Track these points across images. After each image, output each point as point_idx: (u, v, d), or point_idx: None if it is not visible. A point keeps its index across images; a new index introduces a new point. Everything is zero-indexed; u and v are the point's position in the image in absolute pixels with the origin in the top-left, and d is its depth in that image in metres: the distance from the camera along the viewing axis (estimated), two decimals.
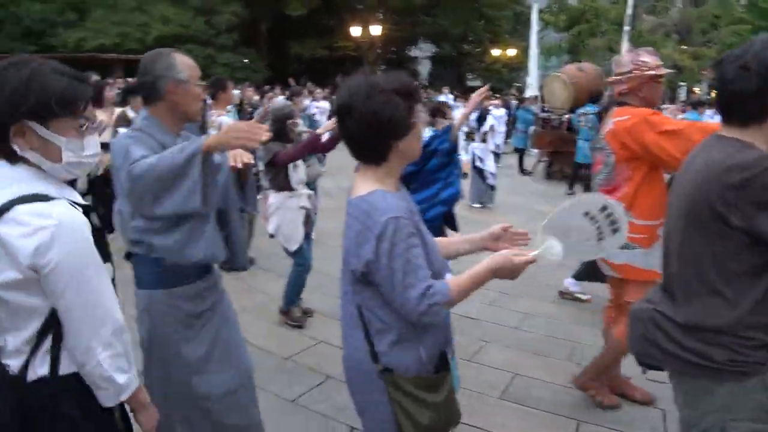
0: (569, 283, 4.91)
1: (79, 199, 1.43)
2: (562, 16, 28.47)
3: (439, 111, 4.68)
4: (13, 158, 1.32)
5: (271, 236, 4.23)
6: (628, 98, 2.90)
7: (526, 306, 4.58)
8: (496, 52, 32.72)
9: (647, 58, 2.88)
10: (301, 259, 4.19)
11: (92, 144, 1.40)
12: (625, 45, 12.94)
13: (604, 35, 26.78)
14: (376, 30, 25.89)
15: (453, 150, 3.74)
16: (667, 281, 1.69)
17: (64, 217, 1.28)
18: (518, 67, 32.65)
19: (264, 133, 1.82)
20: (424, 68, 40.18)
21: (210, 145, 1.83)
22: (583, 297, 4.86)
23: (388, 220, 1.50)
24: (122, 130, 5.48)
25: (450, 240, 1.98)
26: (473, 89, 5.65)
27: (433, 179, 3.68)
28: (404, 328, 1.61)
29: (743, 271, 1.48)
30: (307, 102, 9.98)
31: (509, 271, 1.57)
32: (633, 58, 2.89)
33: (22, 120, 1.28)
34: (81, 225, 1.32)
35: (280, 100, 4.75)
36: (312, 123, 9.80)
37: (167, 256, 2.03)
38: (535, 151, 12.85)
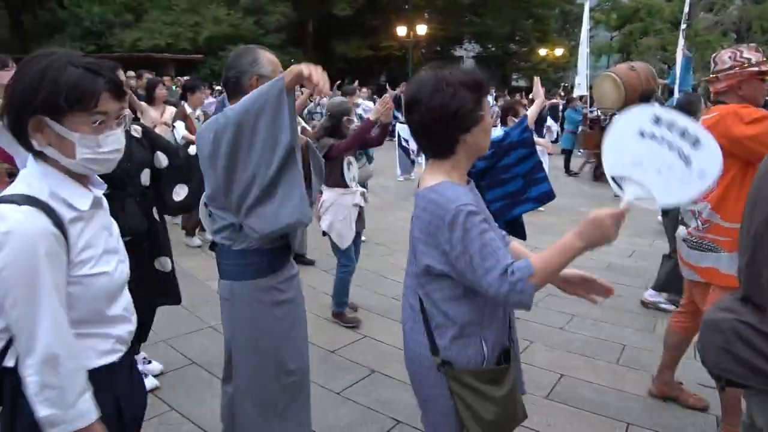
0: (649, 295, 4.74)
1: (103, 205, 1.43)
2: (614, 15, 27.83)
3: (511, 109, 4.51)
4: (34, 153, 1.31)
5: (324, 234, 4.23)
6: (726, 97, 2.72)
7: (572, 308, 4.51)
8: (542, 51, 32.22)
9: (750, 54, 2.70)
10: (347, 260, 4.20)
11: (111, 140, 1.32)
12: (680, 44, 12.49)
13: (657, 34, 25.97)
14: (421, 29, 25.88)
15: (532, 141, 3.59)
16: (751, 290, 1.54)
17: (18, 225, 1.19)
18: (564, 66, 32.08)
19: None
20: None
21: (289, 81, 1.85)
22: (667, 307, 4.61)
23: (458, 208, 1.49)
24: (179, 124, 5.72)
25: (517, 249, 1.85)
26: (518, 90, 5.59)
27: (510, 176, 3.52)
28: (466, 323, 1.60)
29: None
30: (359, 101, 10.09)
31: (600, 233, 1.41)
32: (733, 55, 2.72)
33: (37, 115, 1.24)
34: (35, 238, 1.20)
35: (337, 98, 4.74)
36: (359, 121, 9.95)
37: (260, 228, 1.99)
38: (583, 151, 12.58)
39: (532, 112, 3.70)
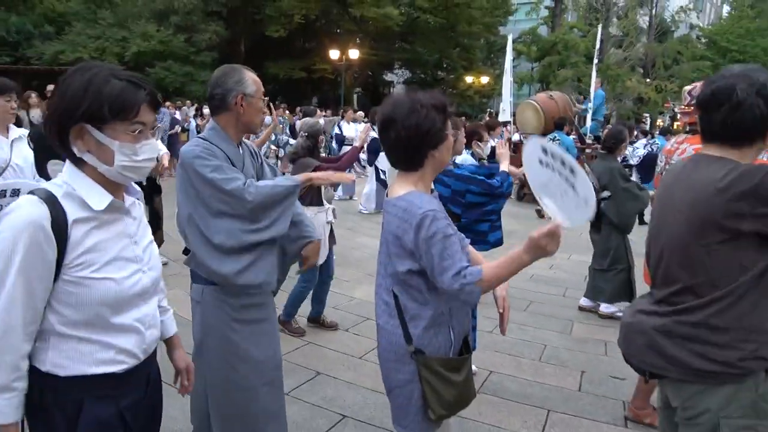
0: (604, 308, 5.14)
1: (137, 210, 1.50)
2: (534, 47, 29.60)
3: (476, 133, 4.65)
4: (73, 159, 1.38)
5: None
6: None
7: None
8: (469, 79, 33.61)
9: None
10: (312, 275, 4.32)
11: (147, 149, 1.39)
12: (593, 77, 13.60)
13: (573, 66, 27.87)
14: (353, 54, 26.45)
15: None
16: (667, 288, 1.77)
17: (17, 210, 1.30)
18: (489, 94, 33.61)
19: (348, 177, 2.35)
20: (399, 92, 40.98)
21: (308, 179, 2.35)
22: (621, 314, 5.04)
23: (424, 213, 1.72)
24: None
25: (475, 255, 2.11)
26: None
27: (484, 220, 3.54)
28: (436, 314, 1.83)
29: (749, 274, 1.61)
30: (321, 121, 10.37)
31: (540, 250, 1.62)
32: None
33: (80, 123, 1.32)
34: (23, 226, 1.28)
35: (310, 119, 4.85)
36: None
37: (222, 282, 2.21)
38: None
39: (513, 170, 3.63)
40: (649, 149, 10.01)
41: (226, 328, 2.28)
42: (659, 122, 29.82)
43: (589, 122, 12.46)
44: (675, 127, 27.76)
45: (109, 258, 1.38)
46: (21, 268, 1.27)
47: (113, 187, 1.41)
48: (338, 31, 31.05)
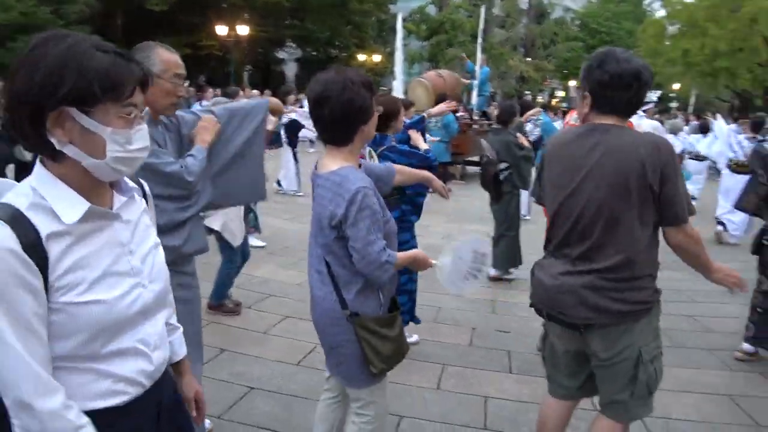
0: (493, 272, 5.54)
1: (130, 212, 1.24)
2: (423, 26, 30.28)
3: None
4: (52, 155, 1.10)
5: (211, 232, 4.14)
6: None
7: None
8: (361, 57, 33.74)
9: None
10: (234, 255, 4.33)
11: (140, 136, 1.15)
12: (479, 55, 14.25)
13: (460, 45, 28.89)
14: (242, 30, 25.55)
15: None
16: (582, 246, 2.02)
17: None
18: (382, 72, 34.01)
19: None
20: (291, 70, 40.21)
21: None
22: (510, 277, 5.53)
23: (358, 188, 1.84)
24: None
25: None
26: None
27: (421, 193, 3.75)
28: (366, 279, 1.97)
29: (651, 224, 1.96)
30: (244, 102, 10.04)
31: (420, 264, 2.10)
32: None
33: (61, 106, 1.04)
34: None
35: (220, 98, 4.62)
36: None
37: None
38: None
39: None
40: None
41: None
42: (539, 99, 31.79)
43: (475, 98, 13.11)
44: (553, 103, 29.87)
45: (96, 276, 1.13)
46: (6, 311, 1.01)
47: (96, 187, 1.16)
48: (224, 5, 29.77)
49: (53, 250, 1.07)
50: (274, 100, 2.62)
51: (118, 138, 1.10)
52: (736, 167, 7.46)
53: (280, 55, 37.61)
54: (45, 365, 1.06)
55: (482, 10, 13.13)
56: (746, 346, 3.97)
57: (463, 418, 3.06)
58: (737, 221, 7.50)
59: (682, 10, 21.44)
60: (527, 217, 8.22)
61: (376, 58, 33.28)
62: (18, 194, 1.09)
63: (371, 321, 2.00)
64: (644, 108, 9.58)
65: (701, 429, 3.03)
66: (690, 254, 2.04)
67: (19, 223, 1.03)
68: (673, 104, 32.60)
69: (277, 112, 2.65)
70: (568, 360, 2.26)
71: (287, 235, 6.90)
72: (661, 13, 24.22)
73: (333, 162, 1.98)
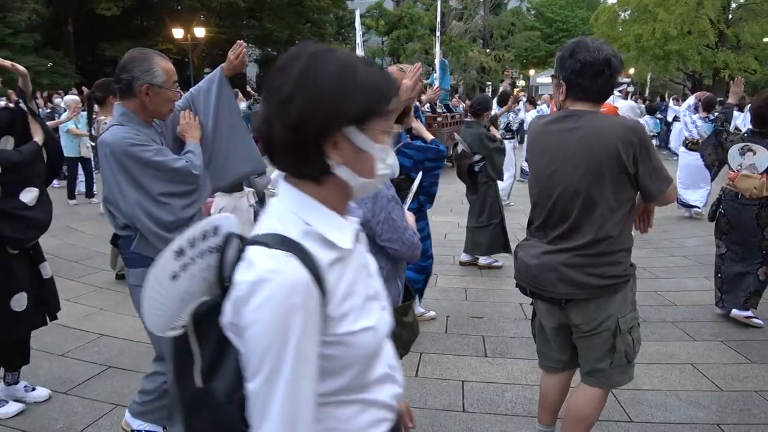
0: (483, 260, 5.71)
1: (343, 240, 1.03)
2: (382, 21, 30.35)
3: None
4: (316, 178, 1.01)
5: None
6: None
7: None
8: None
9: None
10: None
11: (391, 150, 1.07)
12: (437, 48, 14.37)
13: (420, 39, 29.06)
14: (199, 32, 25.17)
15: None
16: (561, 227, 2.14)
17: (269, 275, 0.90)
18: None
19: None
20: (251, 71, 39.80)
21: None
22: (498, 264, 5.66)
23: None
24: None
25: None
26: None
27: (435, 183, 3.84)
28: (391, 268, 2.04)
29: (625, 203, 2.09)
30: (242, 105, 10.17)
31: None
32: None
33: (346, 126, 0.98)
34: (288, 294, 0.90)
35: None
36: None
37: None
38: None
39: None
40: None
41: None
42: (501, 89, 32.20)
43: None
44: (515, 92, 30.28)
45: (360, 301, 1.05)
46: (299, 355, 0.90)
47: (345, 207, 1.09)
48: (179, 7, 29.28)
49: (330, 279, 0.98)
50: (230, 60, 2.45)
51: (383, 155, 1.03)
52: (691, 145, 7.81)
53: None
54: (312, 411, 0.95)
55: (439, 3, 13.26)
56: (717, 310, 4.36)
57: (442, 402, 3.15)
58: (697, 198, 7.93)
59: None
60: (510, 203, 8.40)
61: None
62: (283, 222, 0.99)
63: (395, 311, 2.06)
64: (618, 89, 9.93)
65: (668, 397, 3.19)
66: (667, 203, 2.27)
67: (303, 254, 0.94)
68: (630, 89, 33.46)
69: (238, 68, 2.47)
70: (555, 335, 2.40)
71: None
72: (612, 0, 24.79)
73: None
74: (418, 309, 4.23)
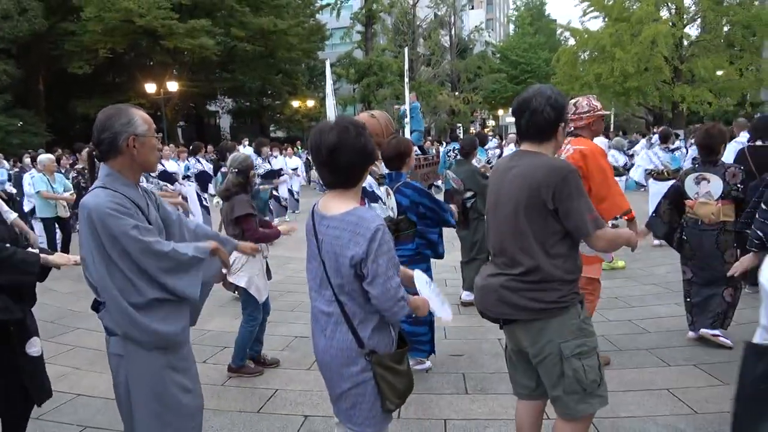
0: (465, 296, 5.78)
1: None
2: (352, 70, 31.06)
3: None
4: None
5: (236, 290, 4.16)
6: (582, 131, 3.79)
7: None
8: (295, 103, 34.11)
9: (597, 103, 3.88)
10: (258, 313, 4.20)
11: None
12: (407, 94, 14.72)
13: (389, 85, 29.75)
14: (172, 86, 25.41)
15: None
16: (504, 256, 2.31)
17: None
18: (316, 117, 34.51)
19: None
20: (225, 122, 40.11)
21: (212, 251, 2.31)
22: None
23: (378, 226, 1.91)
24: None
25: None
26: (277, 140, 6.27)
27: (433, 230, 4.00)
28: (381, 316, 2.02)
29: (553, 236, 2.20)
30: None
31: (420, 312, 2.13)
32: (588, 102, 3.84)
33: None
34: None
35: (239, 154, 4.51)
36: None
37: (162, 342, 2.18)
38: None
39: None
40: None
41: (160, 379, 2.21)
42: (471, 130, 32.99)
43: (408, 134, 13.48)
44: (485, 132, 31.04)
45: None
46: None
47: None
48: (151, 63, 29.61)
49: None
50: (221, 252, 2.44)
51: None
52: (657, 175, 8.23)
53: (213, 107, 37.53)
54: None
55: (406, 50, 13.68)
56: (690, 334, 4.46)
57: None
58: None
59: (588, 38, 23.05)
60: None
61: (310, 103, 33.73)
62: None
63: (387, 357, 2.03)
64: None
65: (646, 423, 3.24)
66: (615, 248, 2.39)
67: None
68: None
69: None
70: (517, 359, 2.48)
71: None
72: (572, 41, 25.89)
73: (342, 203, 2.02)
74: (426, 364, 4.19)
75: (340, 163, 1.95)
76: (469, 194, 5.47)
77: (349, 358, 2.01)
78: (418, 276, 2.27)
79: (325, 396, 2.38)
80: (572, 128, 3.83)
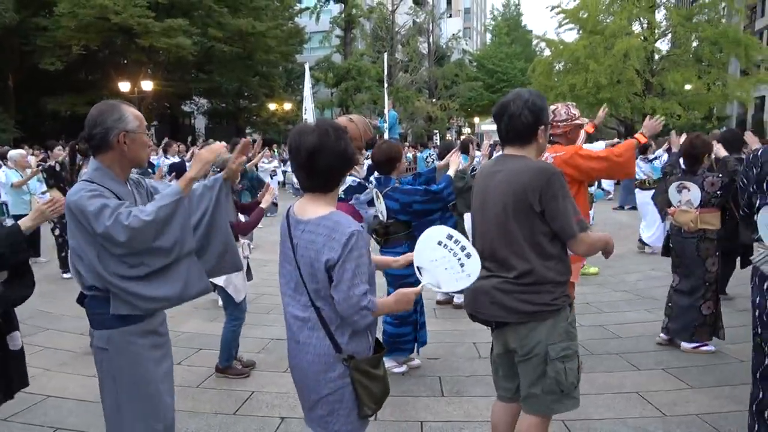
0: (457, 299, 5.77)
1: None
2: (331, 74, 31.05)
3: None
4: None
5: (215, 289, 4.03)
6: (560, 138, 3.79)
7: None
8: (272, 106, 33.89)
9: (575, 111, 3.89)
10: (240, 312, 4.19)
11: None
12: (386, 99, 14.85)
13: (367, 90, 29.82)
14: (147, 85, 25.02)
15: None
16: (494, 260, 2.31)
17: None
18: (293, 120, 34.37)
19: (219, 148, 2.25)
20: (200, 123, 39.64)
21: (185, 188, 2.15)
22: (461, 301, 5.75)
23: (353, 231, 1.88)
24: None
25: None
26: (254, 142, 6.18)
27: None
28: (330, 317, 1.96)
29: (544, 238, 2.23)
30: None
31: (405, 303, 2.04)
32: (567, 111, 3.84)
33: None
34: None
35: (225, 155, 4.36)
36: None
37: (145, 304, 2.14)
38: None
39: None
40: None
41: (141, 369, 2.22)
42: (448, 137, 33.23)
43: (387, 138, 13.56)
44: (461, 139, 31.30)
45: None
46: None
47: None
48: (125, 61, 29.10)
49: None
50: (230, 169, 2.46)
51: None
52: (640, 185, 8.63)
53: (188, 108, 37.06)
54: None
55: (385, 56, 13.80)
56: (662, 336, 4.62)
57: None
58: (649, 235, 8.47)
59: (563, 50, 23.47)
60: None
61: (287, 106, 33.56)
62: None
63: (365, 362, 2.01)
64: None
65: (616, 425, 3.33)
66: (594, 252, 2.39)
67: None
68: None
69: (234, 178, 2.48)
70: (502, 361, 2.52)
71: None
72: (547, 52, 26.35)
73: (319, 207, 2.00)
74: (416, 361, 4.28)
75: (320, 166, 1.93)
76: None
77: (326, 363, 1.98)
78: (427, 238, 2.11)
79: None
80: (549, 136, 3.90)
